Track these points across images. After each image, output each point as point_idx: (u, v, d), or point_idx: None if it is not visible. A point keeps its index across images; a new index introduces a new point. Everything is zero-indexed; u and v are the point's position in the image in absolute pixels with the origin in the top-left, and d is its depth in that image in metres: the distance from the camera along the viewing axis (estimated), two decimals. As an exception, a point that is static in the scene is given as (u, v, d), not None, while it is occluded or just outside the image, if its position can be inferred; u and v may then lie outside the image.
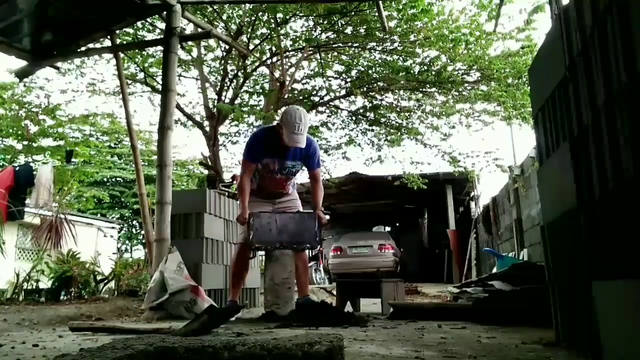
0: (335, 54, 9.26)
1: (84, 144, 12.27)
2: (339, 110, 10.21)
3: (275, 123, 3.68)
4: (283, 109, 3.62)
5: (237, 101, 9.02)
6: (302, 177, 11.40)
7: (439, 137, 9.65)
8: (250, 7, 7.50)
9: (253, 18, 7.70)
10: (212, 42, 8.69)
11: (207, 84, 9.03)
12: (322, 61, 8.94)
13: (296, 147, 3.36)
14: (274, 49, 8.42)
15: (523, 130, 8.83)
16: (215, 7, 7.58)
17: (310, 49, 8.46)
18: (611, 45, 1.35)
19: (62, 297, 5.56)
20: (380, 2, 5.96)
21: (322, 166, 4.82)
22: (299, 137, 3.30)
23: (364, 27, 7.97)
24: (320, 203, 3.66)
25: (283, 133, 3.29)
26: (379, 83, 8.96)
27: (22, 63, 5.65)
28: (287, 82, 8.48)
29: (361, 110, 9.97)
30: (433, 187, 10.59)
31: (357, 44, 8.68)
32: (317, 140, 9.90)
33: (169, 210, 4.42)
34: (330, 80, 9.64)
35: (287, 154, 3.48)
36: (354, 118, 10.22)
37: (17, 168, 7.98)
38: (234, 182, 7.19)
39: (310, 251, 4.19)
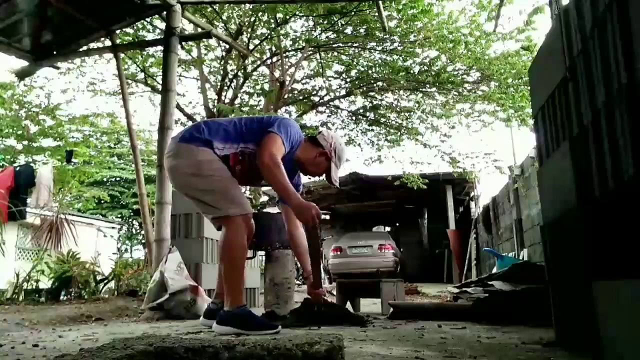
0: (335, 54, 9.27)
1: (84, 144, 12.26)
2: (339, 110, 10.22)
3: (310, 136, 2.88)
4: (329, 132, 2.86)
5: (237, 101, 9.03)
6: (304, 178, 11.50)
7: (439, 138, 9.68)
8: (250, 7, 7.51)
9: (253, 18, 7.71)
10: (212, 42, 8.70)
11: (207, 84, 9.03)
12: (322, 61, 8.95)
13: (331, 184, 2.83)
14: (274, 49, 8.44)
15: (522, 130, 8.87)
16: (215, 7, 7.59)
17: (310, 49, 8.47)
18: (611, 45, 1.36)
19: (62, 297, 5.56)
20: (380, 2, 5.97)
21: None
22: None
23: (364, 27, 7.98)
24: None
25: (330, 163, 2.71)
26: (378, 83, 8.97)
27: (22, 63, 5.65)
28: (287, 82, 8.48)
29: (361, 110, 9.98)
30: (433, 187, 10.60)
31: (357, 44, 8.70)
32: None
33: (169, 210, 4.43)
34: (330, 80, 9.65)
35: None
36: (354, 118, 10.23)
37: (18, 168, 7.98)
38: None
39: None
